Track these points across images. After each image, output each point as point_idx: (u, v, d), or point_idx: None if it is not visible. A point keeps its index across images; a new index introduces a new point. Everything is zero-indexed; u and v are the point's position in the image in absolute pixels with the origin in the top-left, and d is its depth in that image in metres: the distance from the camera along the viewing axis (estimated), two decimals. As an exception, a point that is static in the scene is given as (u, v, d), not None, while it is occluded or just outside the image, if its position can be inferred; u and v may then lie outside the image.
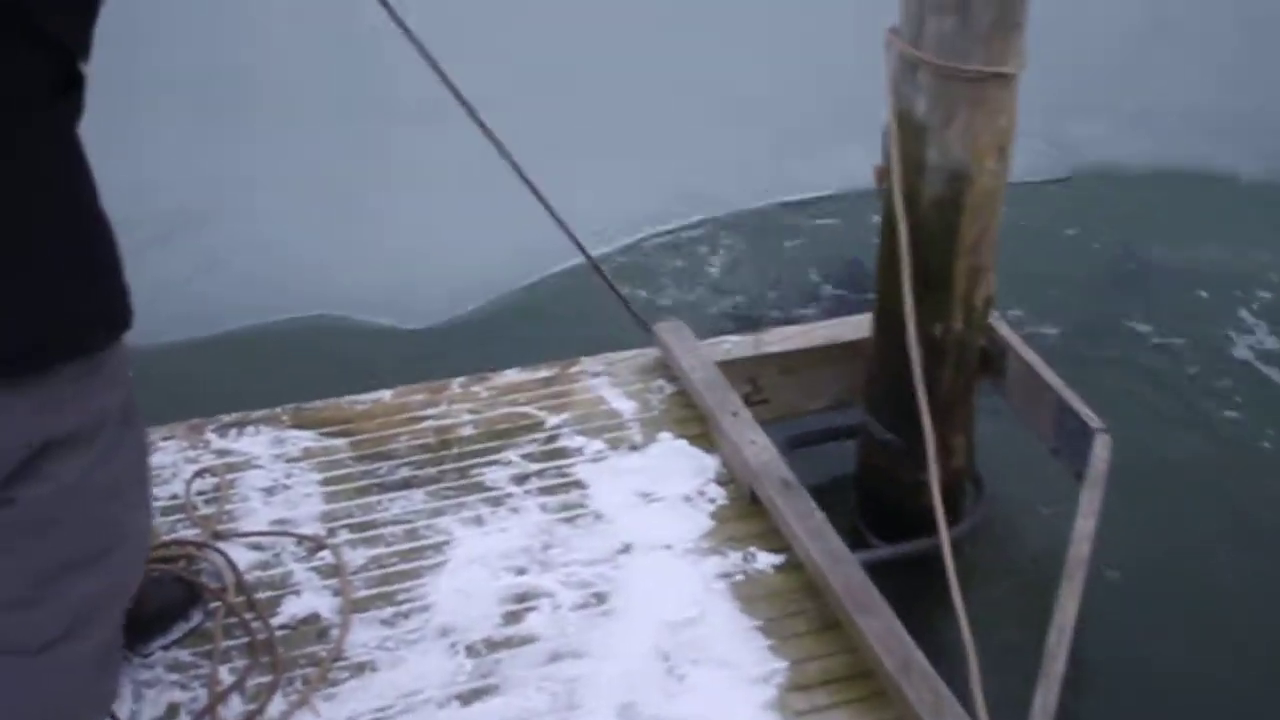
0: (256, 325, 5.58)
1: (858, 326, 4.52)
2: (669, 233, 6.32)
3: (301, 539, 3.64)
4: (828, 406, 4.63)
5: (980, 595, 4.35)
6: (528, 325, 5.59)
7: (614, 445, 3.97)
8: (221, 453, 3.97)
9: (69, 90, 2.30)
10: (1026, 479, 4.56)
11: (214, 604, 3.40)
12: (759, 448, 3.74)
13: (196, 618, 3.34)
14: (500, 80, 6.52)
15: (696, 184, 6.53)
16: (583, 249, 4.23)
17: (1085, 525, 3.77)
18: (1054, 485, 4.38)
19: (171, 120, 6.79)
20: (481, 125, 3.97)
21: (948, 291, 4.06)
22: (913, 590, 4.05)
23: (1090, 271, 6.12)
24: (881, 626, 3.18)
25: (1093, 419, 4.11)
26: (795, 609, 3.41)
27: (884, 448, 4.36)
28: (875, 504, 4.49)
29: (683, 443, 3.97)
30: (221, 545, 3.61)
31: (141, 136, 6.38)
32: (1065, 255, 6.27)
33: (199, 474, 3.84)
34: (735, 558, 3.56)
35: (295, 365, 5.33)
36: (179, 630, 3.30)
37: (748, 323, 5.35)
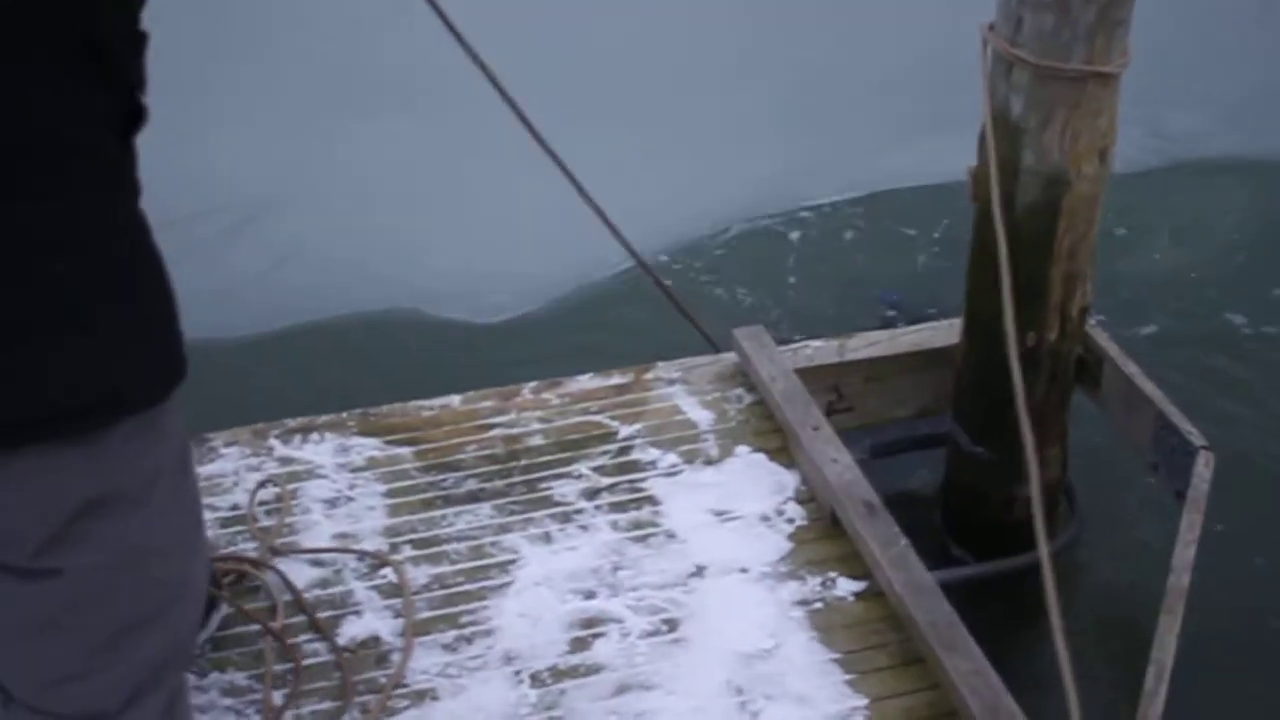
0: (326, 319, 5.46)
1: (945, 333, 4.32)
2: (739, 231, 6.10)
3: (363, 555, 3.50)
4: (913, 414, 4.43)
5: (1068, 621, 4.15)
6: (601, 321, 5.44)
7: (689, 459, 3.81)
8: (285, 460, 3.86)
9: (133, 129, 2.13)
10: (1122, 496, 4.35)
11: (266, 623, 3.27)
12: (841, 467, 3.57)
13: (209, 628, 3.22)
14: (561, 70, 6.42)
15: (769, 179, 6.31)
16: (643, 263, 4.05)
17: (1185, 554, 3.56)
18: (1152, 503, 4.17)
19: (244, 109, 6.67)
20: (536, 135, 3.80)
21: (1043, 300, 3.86)
22: (999, 611, 3.88)
23: (1189, 272, 5.85)
24: (969, 667, 3.01)
25: (1194, 435, 3.89)
26: (876, 641, 3.24)
27: (972, 460, 4.17)
28: (962, 517, 4.31)
29: (761, 457, 3.80)
30: (280, 562, 3.47)
31: (210, 125, 6.27)
32: (1162, 254, 6.00)
33: (262, 484, 3.71)
34: (814, 583, 3.40)
35: (365, 361, 5.22)
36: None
37: (821, 326, 5.13)
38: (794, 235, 6.14)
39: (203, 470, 3.79)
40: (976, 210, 3.94)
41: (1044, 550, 3.02)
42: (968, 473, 4.22)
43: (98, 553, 2.19)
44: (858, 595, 3.36)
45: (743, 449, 3.84)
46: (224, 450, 3.90)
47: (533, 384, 4.16)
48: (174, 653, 2.37)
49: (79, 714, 2.25)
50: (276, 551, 3.51)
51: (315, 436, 3.94)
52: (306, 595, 3.40)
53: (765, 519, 3.60)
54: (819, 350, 4.25)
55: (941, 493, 4.37)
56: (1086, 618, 4.11)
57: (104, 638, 2.22)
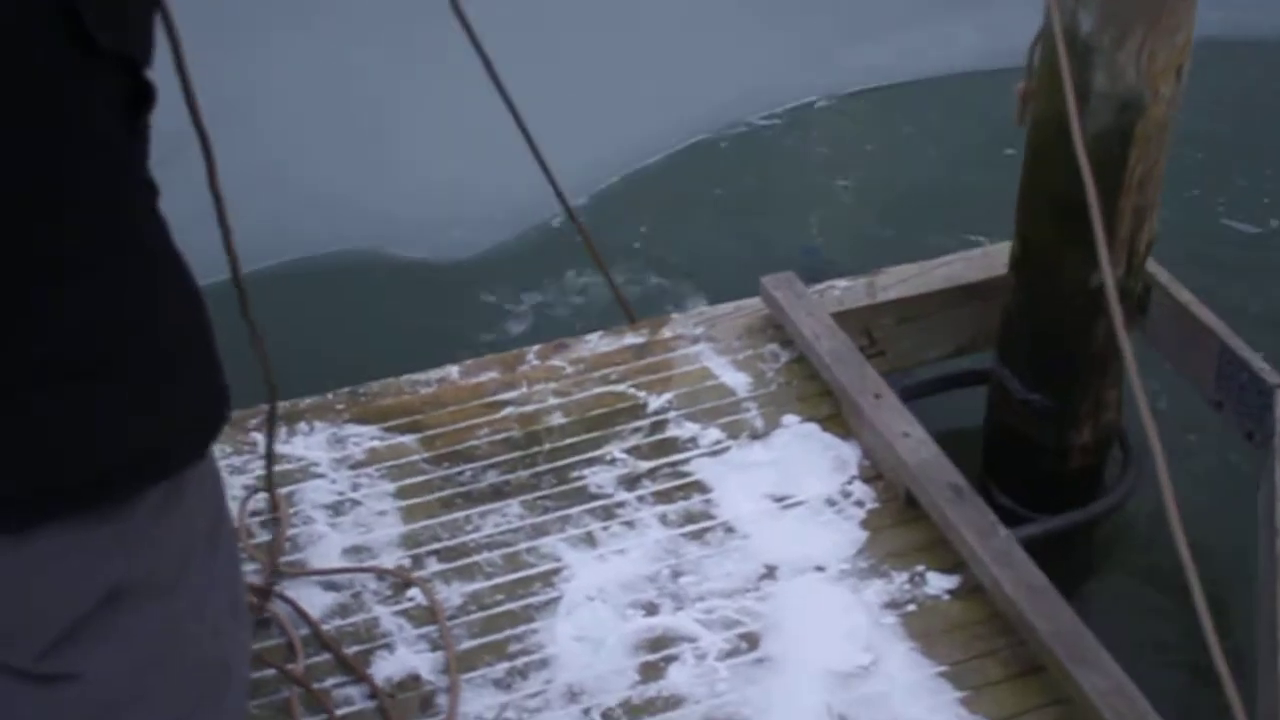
0: (270, 267, 4.89)
1: (980, 264, 3.95)
2: (699, 146, 5.62)
3: (382, 574, 3.05)
4: (948, 354, 4.05)
5: (1130, 582, 3.86)
6: (573, 253, 4.94)
7: (732, 433, 3.39)
8: (274, 457, 3.35)
9: (141, 114, 1.62)
10: (1179, 437, 4.00)
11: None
12: (915, 442, 3.18)
13: None
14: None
15: (731, 84, 5.82)
16: (570, 211, 3.59)
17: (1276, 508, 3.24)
18: (1213, 443, 3.84)
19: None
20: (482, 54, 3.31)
21: (1110, 235, 3.46)
22: (1058, 568, 3.54)
23: (1238, 185, 5.46)
24: (1107, 685, 2.66)
25: (1267, 371, 3.56)
26: (984, 649, 2.88)
27: (1024, 406, 3.81)
28: (1009, 465, 3.95)
29: (813, 427, 3.41)
30: (288, 587, 3.02)
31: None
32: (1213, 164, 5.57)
33: (252, 490, 3.23)
34: (901, 580, 3.02)
35: (324, 310, 4.70)
36: None
37: (824, 262, 4.70)
38: (766, 147, 5.66)
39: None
40: (1031, 134, 3.53)
41: (1185, 553, 2.62)
42: (1016, 419, 3.86)
43: (121, 652, 1.74)
44: (953, 593, 3.00)
45: (790, 418, 3.45)
46: (199, 449, 3.38)
47: (536, 348, 3.72)
48: None
49: None
50: (281, 574, 3.05)
51: (303, 426, 3.46)
52: (326, 627, 2.94)
53: (831, 503, 3.22)
54: (848, 291, 3.85)
55: (985, 438, 4.01)
56: (1149, 573, 3.79)
57: None
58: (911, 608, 2.96)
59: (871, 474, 3.27)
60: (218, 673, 1.92)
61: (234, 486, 3.29)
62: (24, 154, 1.50)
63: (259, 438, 3.42)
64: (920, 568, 3.05)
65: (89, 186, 1.58)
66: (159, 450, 1.68)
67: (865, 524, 3.16)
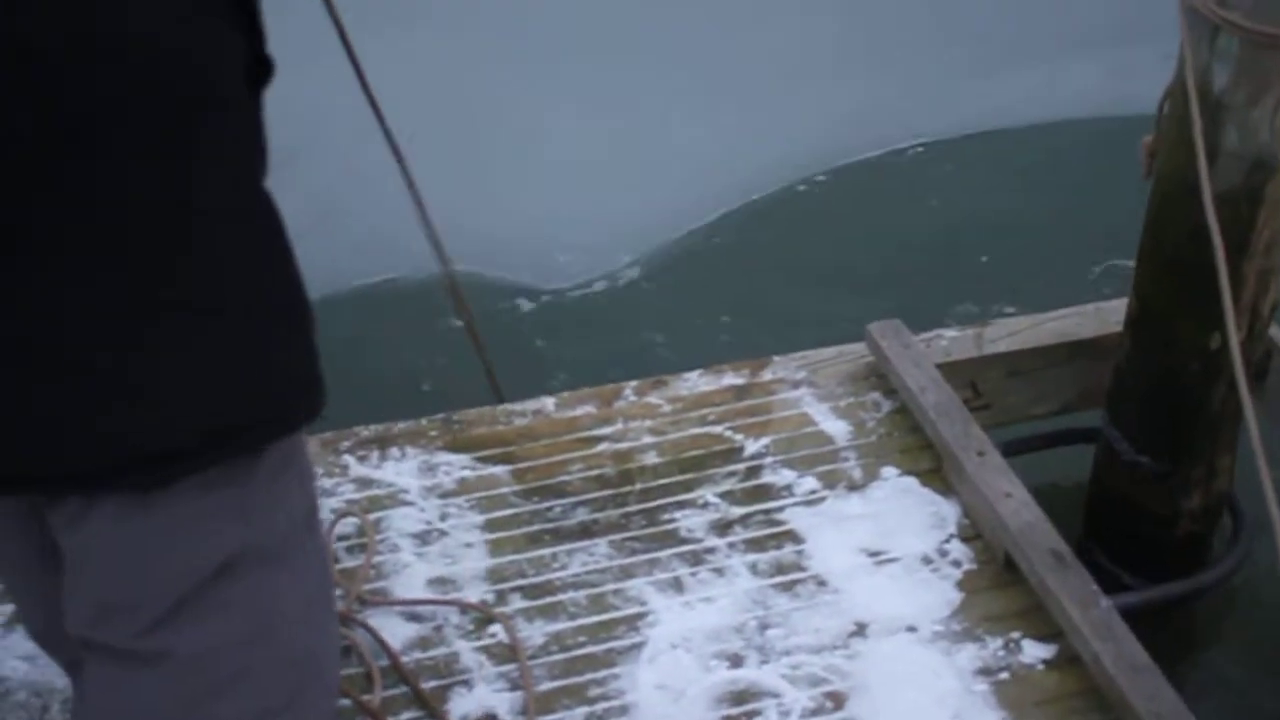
0: (368, 285, 4.88)
1: (1096, 321, 3.83)
2: (796, 188, 5.52)
3: (465, 608, 3.00)
4: (1054, 411, 3.94)
5: (1235, 659, 3.72)
6: (678, 286, 4.88)
7: (829, 483, 3.31)
8: (362, 482, 3.36)
9: (263, 82, 1.69)
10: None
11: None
12: (1017, 504, 3.08)
13: None
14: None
15: (829, 125, 5.72)
16: (451, 276, 3.50)
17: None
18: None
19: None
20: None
21: (1232, 298, 3.34)
22: (1162, 639, 3.41)
23: None
24: (1210, 772, 2.52)
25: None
26: (1080, 724, 2.75)
27: (1132, 469, 3.69)
28: (1112, 529, 3.83)
29: (911, 481, 3.32)
30: (370, 615, 2.98)
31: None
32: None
33: (341, 514, 3.21)
34: (995, 646, 2.92)
35: (420, 332, 4.67)
36: None
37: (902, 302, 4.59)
38: (870, 187, 5.56)
39: (268, 494, 3.27)
40: (1154, 190, 3.42)
41: None
42: (1123, 481, 3.74)
43: (225, 625, 1.75)
44: (1048, 663, 2.89)
45: (889, 470, 3.35)
46: (290, 468, 3.36)
47: (634, 383, 3.66)
48: None
49: None
50: (364, 602, 3.01)
51: (395, 452, 3.43)
52: (405, 659, 2.90)
53: (927, 561, 3.12)
54: (955, 342, 3.75)
55: (1088, 499, 3.89)
56: (1256, 651, 3.65)
57: None
58: (1004, 676, 2.86)
59: (970, 534, 3.17)
60: (309, 664, 1.92)
61: (323, 510, 3.25)
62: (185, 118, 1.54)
63: (350, 460, 3.39)
64: (1016, 634, 2.95)
65: (229, 143, 1.63)
66: (283, 405, 1.71)
67: (961, 585, 3.06)
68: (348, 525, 3.23)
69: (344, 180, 5.04)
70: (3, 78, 1.45)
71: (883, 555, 3.13)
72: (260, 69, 1.67)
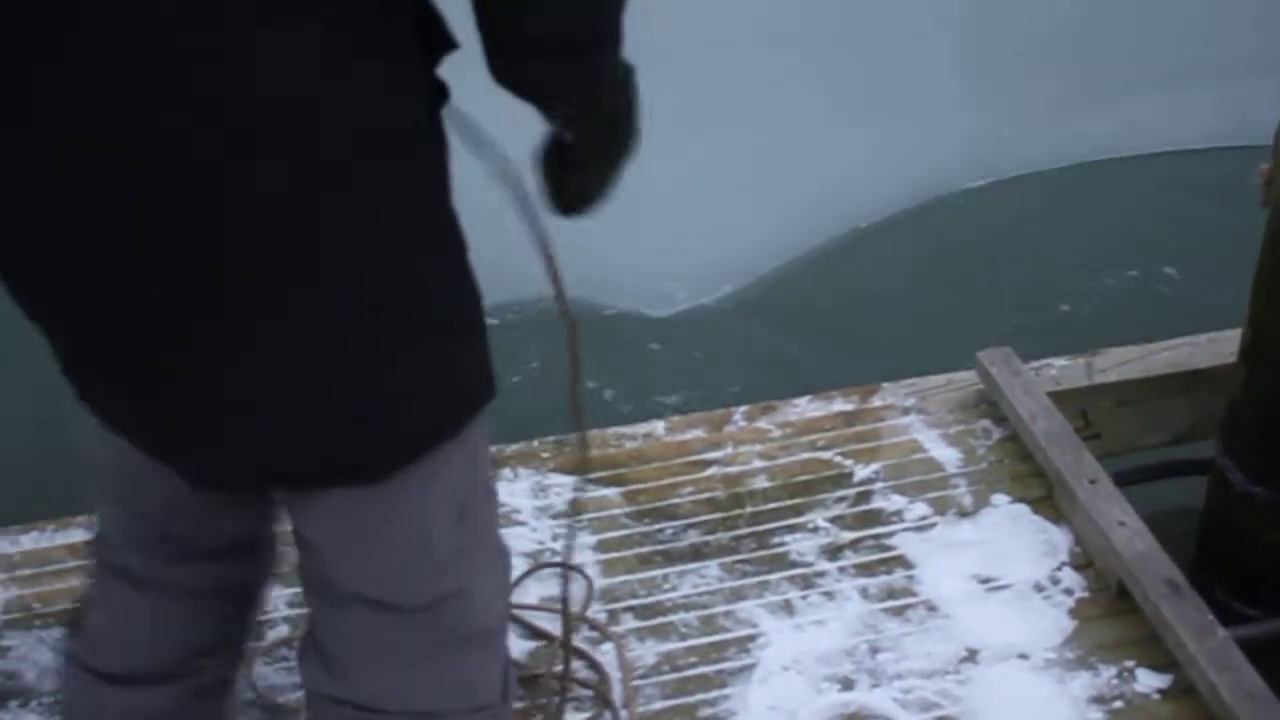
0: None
1: (1209, 351, 3.80)
2: (905, 216, 5.51)
3: (578, 622, 3.04)
4: (1166, 442, 3.91)
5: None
6: (784, 316, 4.90)
7: (939, 509, 3.32)
8: (477, 502, 3.37)
9: (439, 106, 1.80)
10: None
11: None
12: (1131, 533, 3.06)
13: None
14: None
15: (940, 153, 5.71)
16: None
17: None
18: None
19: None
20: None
21: (1350, 328, 3.33)
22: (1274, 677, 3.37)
23: None
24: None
25: None
26: (1194, 755, 2.73)
27: (1246, 500, 3.64)
28: (1226, 561, 3.78)
29: (1023, 509, 3.31)
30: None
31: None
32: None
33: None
34: (1109, 675, 2.91)
35: (529, 355, 4.72)
36: None
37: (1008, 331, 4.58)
38: (977, 217, 5.55)
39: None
40: (1271, 219, 3.39)
41: None
42: (1237, 512, 3.70)
43: (474, 560, 2.07)
44: (1163, 693, 2.88)
45: (1000, 498, 3.35)
46: (406, 487, 3.43)
47: (744, 408, 3.69)
48: None
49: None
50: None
51: (508, 472, 3.48)
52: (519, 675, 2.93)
53: (1039, 589, 3.12)
54: (1065, 371, 3.74)
55: (1201, 530, 3.85)
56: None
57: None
58: (1119, 704, 2.86)
59: (1082, 561, 3.17)
60: (504, 552, 2.22)
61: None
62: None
63: (465, 480, 3.44)
64: (1130, 663, 2.94)
65: (433, 167, 1.79)
66: (488, 393, 1.94)
67: (1074, 613, 3.06)
68: (462, 544, 3.26)
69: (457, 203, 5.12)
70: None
71: (994, 582, 3.13)
72: (439, 94, 1.77)
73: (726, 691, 2.91)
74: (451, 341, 1.84)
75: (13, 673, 2.96)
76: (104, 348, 1.80)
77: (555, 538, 3.30)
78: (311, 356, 1.73)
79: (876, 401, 3.68)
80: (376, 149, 1.65)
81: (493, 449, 3.38)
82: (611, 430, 3.64)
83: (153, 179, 1.58)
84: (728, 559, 3.22)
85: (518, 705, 2.76)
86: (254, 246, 1.63)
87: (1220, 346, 3.74)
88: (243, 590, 2.30)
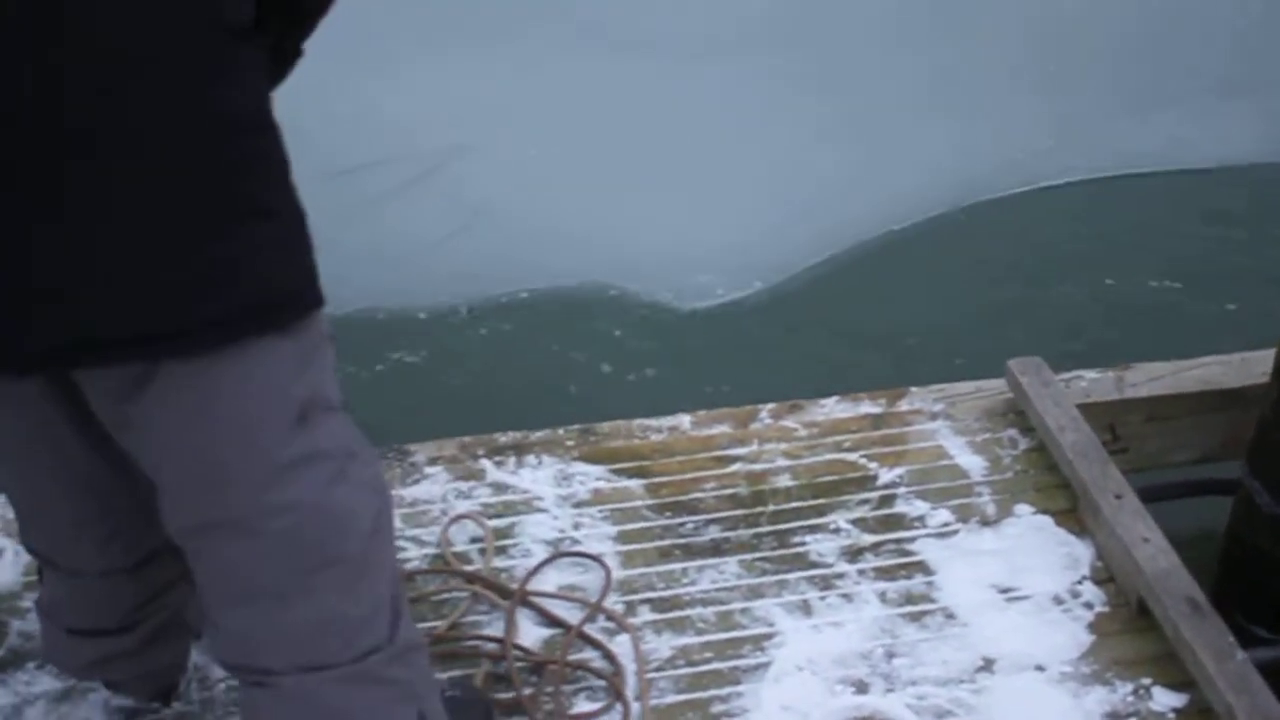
0: (513, 292, 4.96)
1: (1241, 370, 3.77)
2: (927, 226, 5.48)
3: (595, 613, 3.04)
4: (1193, 460, 3.88)
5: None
6: (814, 314, 4.89)
7: (962, 516, 3.31)
8: (498, 487, 3.42)
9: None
10: None
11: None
12: (1154, 550, 3.05)
13: None
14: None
15: (972, 158, 5.68)
16: None
17: None
18: None
19: (428, 43, 6.13)
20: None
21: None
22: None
23: None
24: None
25: None
26: (1209, 776, 2.72)
27: (1272, 522, 3.62)
28: (1248, 583, 3.75)
29: (1046, 520, 3.30)
30: (498, 616, 3.03)
31: (387, 62, 5.72)
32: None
33: (483, 517, 3.28)
34: (1125, 691, 2.89)
35: (556, 344, 4.73)
36: None
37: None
38: (1011, 224, 5.51)
39: (406, 493, 3.38)
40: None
41: None
42: (1262, 534, 3.67)
43: (322, 468, 2.05)
44: (1179, 712, 2.86)
45: (1023, 508, 3.34)
46: (428, 469, 3.46)
47: (770, 406, 3.68)
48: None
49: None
50: (524, 601, 3.06)
51: (531, 459, 3.49)
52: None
53: (1059, 601, 3.10)
54: (1095, 384, 3.72)
55: (1224, 550, 3.82)
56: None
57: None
58: (1133, 721, 2.83)
59: (1103, 576, 3.15)
60: (381, 489, 2.22)
61: (456, 509, 3.33)
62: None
63: (487, 465, 3.46)
64: (1147, 681, 2.92)
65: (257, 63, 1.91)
66: (311, 287, 1.98)
67: (1093, 627, 3.04)
68: (475, 528, 3.28)
69: (498, 184, 5.13)
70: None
71: (1013, 592, 3.12)
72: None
73: (740, 689, 2.91)
74: (272, 227, 1.90)
75: (30, 633, 2.97)
76: None
77: (576, 526, 3.29)
78: (135, 223, 1.80)
79: (904, 405, 3.66)
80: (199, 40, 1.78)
81: (517, 435, 3.44)
82: (637, 422, 3.64)
83: None
84: (747, 556, 3.22)
85: (526, 691, 2.77)
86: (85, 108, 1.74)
87: (1252, 366, 3.71)
88: (159, 547, 2.36)
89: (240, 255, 1.87)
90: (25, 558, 3.11)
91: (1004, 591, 3.13)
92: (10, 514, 2.94)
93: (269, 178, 1.93)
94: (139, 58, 1.74)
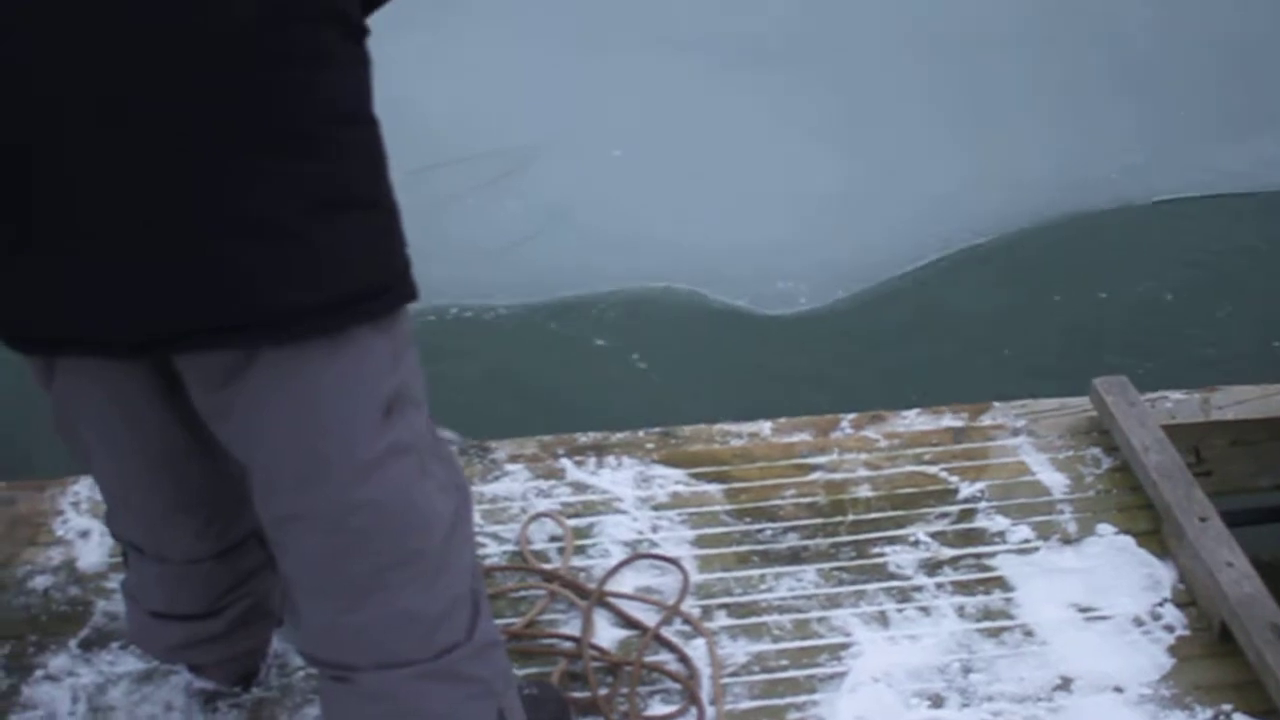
0: (594, 293, 4.97)
1: (1329, 397, 3.71)
2: (1017, 236, 5.44)
3: (672, 616, 3.05)
4: (1277, 485, 3.84)
5: None
6: (893, 325, 4.87)
7: (1043, 534, 3.28)
8: (578, 487, 3.44)
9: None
10: None
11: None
12: (1238, 575, 3.01)
13: None
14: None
15: (1096, 168, 5.64)
16: None
17: None
18: None
19: (516, 40, 6.16)
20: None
21: None
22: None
23: None
24: None
25: None
26: (1291, 806, 2.68)
27: (1357, 553, 3.57)
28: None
29: (1128, 540, 3.27)
30: (575, 614, 3.05)
31: (473, 58, 5.75)
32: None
33: (545, 516, 3.29)
34: (1205, 717, 2.87)
35: (634, 347, 4.74)
36: None
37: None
38: (1101, 240, 5.47)
39: (487, 490, 3.40)
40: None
41: None
42: (1346, 564, 3.62)
43: (407, 462, 2.06)
44: (1260, 739, 2.81)
45: (1105, 528, 3.31)
46: (509, 467, 3.47)
47: (851, 416, 3.67)
48: None
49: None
50: (602, 601, 3.07)
51: (611, 460, 3.50)
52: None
53: (1139, 623, 3.07)
54: (1180, 405, 3.68)
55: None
56: None
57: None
58: (1213, 747, 2.80)
59: (1185, 599, 3.12)
60: (461, 486, 2.24)
61: (536, 507, 3.36)
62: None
63: (567, 464, 3.48)
64: (1227, 706, 2.89)
65: (359, 57, 1.92)
66: (405, 281, 1.99)
67: (1173, 651, 3.01)
68: (554, 526, 3.29)
69: (578, 186, 5.15)
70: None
71: (1093, 612, 3.10)
72: None
73: (815, 697, 2.90)
74: (372, 219, 1.92)
75: (115, 614, 3.02)
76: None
77: (655, 528, 3.30)
78: (240, 210, 1.82)
79: (986, 420, 3.65)
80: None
81: (597, 436, 3.45)
82: (717, 427, 3.64)
83: None
84: (825, 565, 3.21)
85: (602, 691, 2.79)
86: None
87: (1344, 394, 3.66)
88: (248, 534, 2.43)
89: (342, 245, 1.89)
90: (111, 539, 3.16)
91: (1084, 611, 3.11)
92: (97, 496, 3.01)
93: (372, 169, 1.95)
94: (251, 43, 1.76)
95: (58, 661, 2.94)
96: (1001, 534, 3.30)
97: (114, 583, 3.09)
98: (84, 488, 3.40)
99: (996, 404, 3.72)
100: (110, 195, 1.79)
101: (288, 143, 1.82)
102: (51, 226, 1.83)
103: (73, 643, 2.99)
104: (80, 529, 3.30)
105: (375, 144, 1.95)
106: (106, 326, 1.92)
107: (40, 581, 3.17)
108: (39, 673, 2.91)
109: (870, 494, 3.41)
